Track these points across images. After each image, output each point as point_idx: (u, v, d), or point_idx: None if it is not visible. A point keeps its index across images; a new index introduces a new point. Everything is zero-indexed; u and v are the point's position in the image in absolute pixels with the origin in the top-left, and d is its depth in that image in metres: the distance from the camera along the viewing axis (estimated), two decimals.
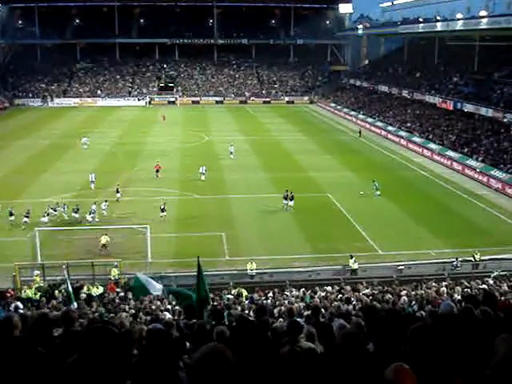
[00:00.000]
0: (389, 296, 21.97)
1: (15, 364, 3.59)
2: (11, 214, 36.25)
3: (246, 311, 19.56)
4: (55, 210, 38.07)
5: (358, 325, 6.09)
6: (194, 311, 11.93)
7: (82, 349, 3.41)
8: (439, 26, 77.34)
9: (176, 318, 17.27)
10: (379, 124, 77.97)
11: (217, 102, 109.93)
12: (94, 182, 45.86)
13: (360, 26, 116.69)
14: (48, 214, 36.77)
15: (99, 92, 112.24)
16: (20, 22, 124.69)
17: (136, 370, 3.60)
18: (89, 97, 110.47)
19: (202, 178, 47.72)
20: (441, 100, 71.40)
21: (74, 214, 37.55)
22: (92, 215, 37.20)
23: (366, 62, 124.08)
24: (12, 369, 3.53)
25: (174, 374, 3.52)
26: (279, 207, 40.61)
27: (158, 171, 48.68)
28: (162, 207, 37.63)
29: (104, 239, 32.65)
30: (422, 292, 23.34)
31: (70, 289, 23.26)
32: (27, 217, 36.03)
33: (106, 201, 39.25)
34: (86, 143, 62.66)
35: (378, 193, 43.68)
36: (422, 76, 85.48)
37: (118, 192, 42.12)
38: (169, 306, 20.89)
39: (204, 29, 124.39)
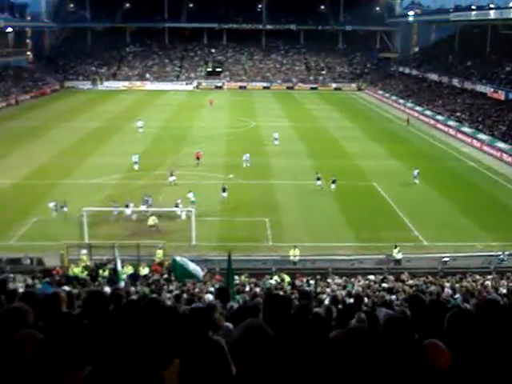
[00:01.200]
0: (433, 287, 21.70)
1: (64, 339, 3.69)
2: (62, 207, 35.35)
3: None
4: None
5: (403, 313, 6.06)
6: (229, 295, 12.00)
7: (132, 325, 3.49)
8: (492, 14, 75.42)
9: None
10: (428, 113, 76.68)
11: (264, 88, 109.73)
12: (137, 163, 46.52)
13: (411, 13, 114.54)
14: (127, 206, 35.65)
15: (148, 76, 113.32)
16: (71, 5, 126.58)
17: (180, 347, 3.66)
18: (137, 80, 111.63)
19: (245, 165, 47.80)
20: (492, 90, 69.75)
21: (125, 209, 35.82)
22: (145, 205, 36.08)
23: (416, 49, 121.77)
24: (60, 344, 3.63)
25: (218, 345, 3.56)
26: (323, 193, 40.51)
27: (198, 158, 48.19)
28: (225, 188, 38.21)
29: (152, 220, 33.31)
30: (467, 285, 22.97)
31: (120, 267, 23.74)
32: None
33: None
34: (141, 126, 63.39)
35: (417, 181, 43.51)
36: (474, 65, 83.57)
37: (171, 175, 42.46)
38: (211, 289, 21.08)
39: (252, 14, 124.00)
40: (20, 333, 3.58)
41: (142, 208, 35.67)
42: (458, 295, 20.11)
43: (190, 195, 36.74)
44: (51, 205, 35.03)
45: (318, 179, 41.81)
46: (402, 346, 3.71)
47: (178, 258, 22.39)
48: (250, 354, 3.06)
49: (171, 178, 42.18)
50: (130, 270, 26.31)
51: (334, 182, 41.24)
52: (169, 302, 12.86)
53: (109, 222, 34.65)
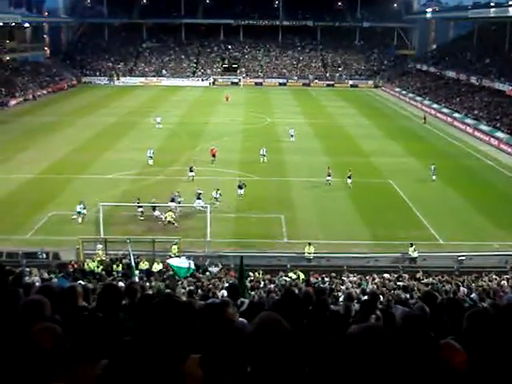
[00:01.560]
0: (449, 286, 21.55)
1: (79, 333, 3.68)
2: (84, 208, 33.96)
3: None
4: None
5: (422, 310, 6.00)
6: (238, 292, 11.98)
7: (148, 319, 3.48)
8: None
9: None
10: (445, 110, 76.15)
11: (280, 84, 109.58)
12: (151, 158, 46.65)
13: (429, 10, 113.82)
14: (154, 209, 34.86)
15: (164, 72, 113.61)
16: (88, 1, 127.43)
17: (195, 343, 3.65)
18: (154, 76, 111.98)
19: (262, 160, 47.71)
20: (510, 88, 69.06)
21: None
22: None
23: (434, 46, 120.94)
24: (76, 338, 3.62)
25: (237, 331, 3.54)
26: (339, 191, 40.44)
27: (214, 156, 47.74)
28: (241, 185, 38.08)
29: (169, 216, 33.41)
30: (484, 283, 22.81)
31: (133, 263, 23.86)
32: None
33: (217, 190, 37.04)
34: (159, 122, 63.50)
35: (434, 177, 43.45)
36: (492, 62, 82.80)
37: (191, 171, 42.48)
38: (226, 284, 21.11)
39: (269, 10, 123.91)
40: (38, 326, 3.57)
41: (171, 204, 35.10)
42: (474, 294, 19.96)
43: (214, 193, 36.67)
44: (78, 208, 33.92)
45: (329, 175, 42.15)
46: (419, 343, 3.66)
47: (170, 261, 23.00)
48: (265, 347, 3.04)
49: (190, 174, 42.24)
50: (145, 265, 26.41)
51: (349, 177, 41.39)
52: (183, 298, 12.87)
53: (125, 217, 34.74)
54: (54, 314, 4.55)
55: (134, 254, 25.62)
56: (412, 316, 4.09)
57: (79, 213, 33.56)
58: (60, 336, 3.50)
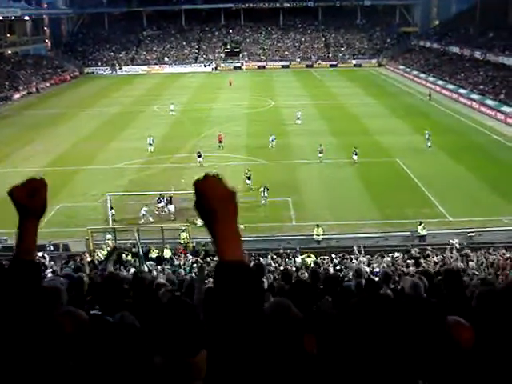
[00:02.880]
0: (459, 263, 21.54)
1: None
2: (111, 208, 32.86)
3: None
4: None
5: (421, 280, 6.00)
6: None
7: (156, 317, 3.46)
8: None
9: None
10: (450, 87, 75.60)
11: (283, 67, 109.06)
12: (151, 145, 46.65)
13: None
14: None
15: (166, 59, 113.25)
16: None
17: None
18: (156, 64, 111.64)
19: (271, 146, 47.44)
20: None
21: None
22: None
23: (437, 22, 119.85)
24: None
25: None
26: (346, 171, 40.38)
27: (220, 141, 47.54)
28: (248, 175, 37.56)
29: (172, 208, 33.33)
30: (494, 257, 22.82)
31: (141, 252, 23.93)
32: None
33: None
34: (172, 110, 63.59)
35: (429, 144, 44.69)
36: (496, 36, 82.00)
37: (199, 156, 42.41)
38: None
39: None
40: (60, 310, 3.57)
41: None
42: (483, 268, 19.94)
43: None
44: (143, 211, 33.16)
45: (321, 152, 42.98)
46: (424, 310, 3.63)
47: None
48: (276, 334, 3.02)
49: (199, 159, 42.18)
50: (155, 253, 26.49)
51: (355, 153, 42.06)
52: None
53: (133, 206, 34.76)
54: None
55: (143, 243, 25.75)
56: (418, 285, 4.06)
57: (144, 215, 32.83)
58: (83, 320, 3.49)
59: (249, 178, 37.53)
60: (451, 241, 27.21)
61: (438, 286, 5.73)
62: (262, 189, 34.46)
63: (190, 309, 3.31)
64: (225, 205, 2.24)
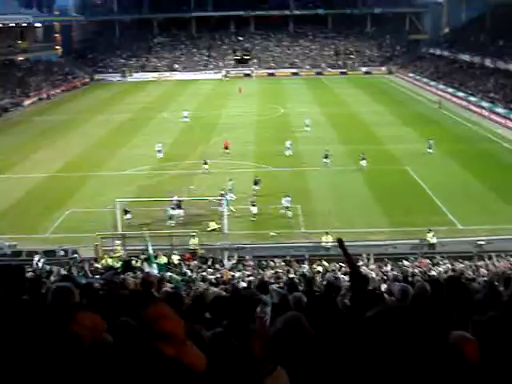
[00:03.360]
0: (469, 272, 21.43)
1: None
2: (126, 212, 32.91)
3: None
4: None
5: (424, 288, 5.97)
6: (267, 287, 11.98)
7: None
8: None
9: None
10: (460, 94, 75.39)
11: (292, 74, 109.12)
12: (160, 152, 46.73)
13: None
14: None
15: (176, 66, 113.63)
16: None
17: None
18: (166, 71, 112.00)
19: (287, 153, 47.11)
20: None
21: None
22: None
23: (447, 30, 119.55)
24: None
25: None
26: (356, 179, 40.33)
27: (226, 148, 47.50)
28: (256, 181, 37.52)
29: (182, 212, 33.39)
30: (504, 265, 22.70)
31: (151, 252, 24.09)
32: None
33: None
34: (186, 116, 63.82)
35: (431, 151, 45.93)
36: (506, 44, 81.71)
37: (205, 164, 42.49)
38: (250, 278, 21.13)
39: (279, 0, 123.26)
40: (79, 314, 3.59)
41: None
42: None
43: (229, 183, 36.56)
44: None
45: (326, 157, 43.30)
46: (423, 319, 3.60)
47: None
48: (286, 348, 3.02)
49: (205, 166, 42.26)
50: (163, 259, 26.49)
51: (363, 159, 42.37)
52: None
53: (142, 212, 34.81)
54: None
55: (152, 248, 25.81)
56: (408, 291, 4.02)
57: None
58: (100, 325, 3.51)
59: (256, 184, 37.49)
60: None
61: (443, 294, 5.70)
62: (284, 199, 33.71)
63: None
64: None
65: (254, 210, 33.30)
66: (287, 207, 33.61)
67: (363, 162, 42.33)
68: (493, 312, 4.22)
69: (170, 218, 33.07)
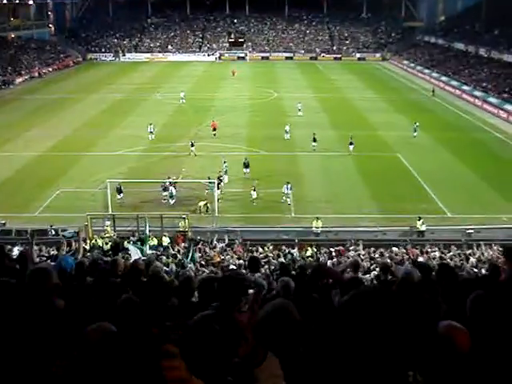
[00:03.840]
0: (457, 259, 21.58)
1: None
2: (120, 192, 33.30)
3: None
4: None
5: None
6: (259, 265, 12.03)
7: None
8: None
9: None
10: (454, 83, 75.41)
11: (286, 58, 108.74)
12: (152, 133, 46.73)
13: None
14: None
15: (170, 47, 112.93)
16: None
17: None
18: (159, 52, 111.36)
19: (286, 136, 47.21)
20: None
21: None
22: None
23: (442, 18, 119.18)
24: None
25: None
26: (347, 165, 40.39)
27: (214, 129, 47.90)
28: (246, 163, 37.64)
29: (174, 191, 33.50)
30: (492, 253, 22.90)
31: (147, 231, 24.18)
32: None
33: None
34: (183, 98, 63.84)
35: (415, 134, 47.81)
36: (501, 33, 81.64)
37: (192, 146, 42.52)
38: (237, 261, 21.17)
39: None
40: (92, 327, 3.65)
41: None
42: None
43: (224, 165, 36.56)
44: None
45: (314, 140, 44.01)
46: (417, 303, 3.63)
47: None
48: (273, 336, 3.02)
49: (192, 149, 42.25)
50: (153, 241, 26.48)
51: (351, 143, 42.92)
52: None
53: (133, 193, 34.75)
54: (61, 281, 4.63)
55: (141, 231, 25.80)
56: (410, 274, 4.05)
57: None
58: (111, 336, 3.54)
59: (246, 167, 37.50)
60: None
61: (432, 281, 5.73)
62: (284, 187, 33.67)
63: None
64: None
65: (254, 194, 33.30)
66: (286, 194, 33.59)
67: (351, 147, 42.76)
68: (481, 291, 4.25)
69: (171, 196, 33.25)
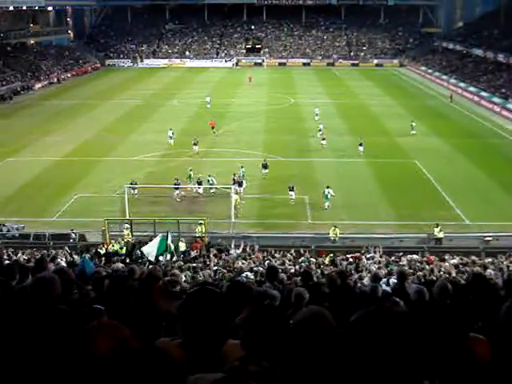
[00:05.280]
0: (477, 268, 21.32)
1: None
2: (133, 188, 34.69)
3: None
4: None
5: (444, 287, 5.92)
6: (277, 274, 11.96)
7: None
8: None
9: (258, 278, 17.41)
10: (472, 89, 74.89)
11: (304, 64, 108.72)
12: (172, 138, 47.00)
13: None
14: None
15: (187, 53, 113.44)
16: None
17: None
18: (177, 58, 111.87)
19: (322, 141, 46.53)
20: None
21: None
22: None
23: (460, 24, 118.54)
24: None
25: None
26: (364, 171, 40.24)
27: (213, 128, 50.51)
28: (265, 164, 38.06)
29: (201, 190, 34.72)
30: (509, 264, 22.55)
31: (170, 242, 24.35)
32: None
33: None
34: (208, 102, 64.62)
35: (414, 132, 49.87)
36: None
37: (195, 145, 42.97)
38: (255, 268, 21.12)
39: None
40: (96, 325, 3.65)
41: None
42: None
43: (241, 170, 36.65)
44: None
45: (323, 139, 45.80)
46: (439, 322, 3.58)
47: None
48: (308, 342, 3.00)
49: (195, 148, 42.58)
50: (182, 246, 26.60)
51: (361, 144, 43.77)
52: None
53: (150, 198, 34.89)
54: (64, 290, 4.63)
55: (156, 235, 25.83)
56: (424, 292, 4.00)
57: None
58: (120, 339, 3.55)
59: (265, 167, 37.61)
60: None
61: (464, 291, 5.65)
62: (326, 190, 33.51)
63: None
64: None
65: (293, 195, 33.88)
66: (327, 197, 33.29)
67: (361, 148, 43.56)
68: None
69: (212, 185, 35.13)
